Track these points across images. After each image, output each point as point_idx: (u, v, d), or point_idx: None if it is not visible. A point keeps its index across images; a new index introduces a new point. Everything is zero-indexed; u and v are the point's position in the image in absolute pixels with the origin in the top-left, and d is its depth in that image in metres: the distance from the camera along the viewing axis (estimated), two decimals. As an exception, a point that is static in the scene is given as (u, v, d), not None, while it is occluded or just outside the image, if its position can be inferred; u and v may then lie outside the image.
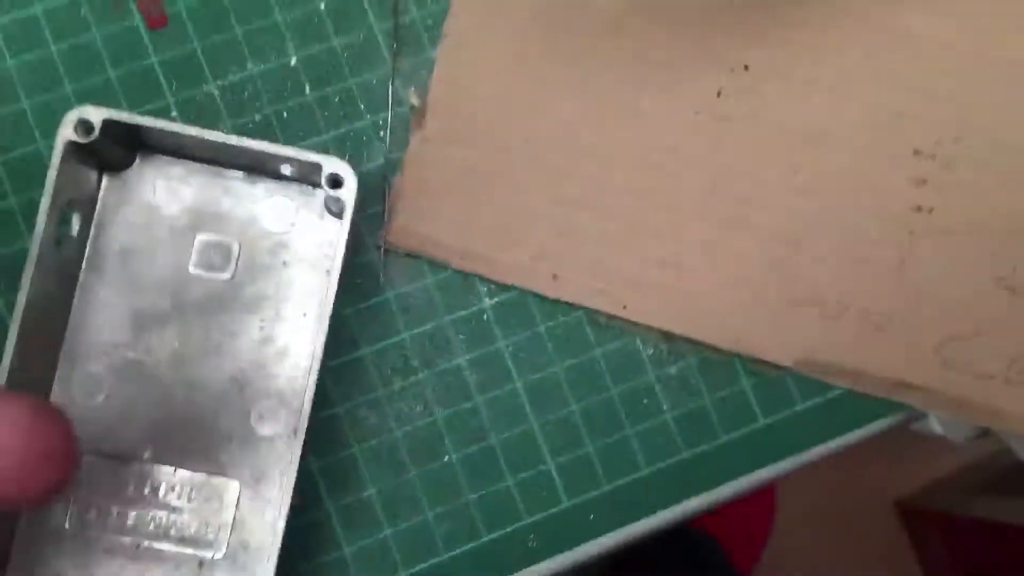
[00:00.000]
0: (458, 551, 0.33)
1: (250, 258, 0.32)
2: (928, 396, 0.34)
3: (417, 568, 0.33)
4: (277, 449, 0.32)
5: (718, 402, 0.34)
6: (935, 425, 0.42)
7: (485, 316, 0.34)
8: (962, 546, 1.16)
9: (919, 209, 0.34)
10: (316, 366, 0.30)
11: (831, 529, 1.27)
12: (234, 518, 0.31)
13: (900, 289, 0.34)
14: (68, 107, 0.30)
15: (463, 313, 0.34)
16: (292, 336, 0.32)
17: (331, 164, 0.30)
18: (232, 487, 0.31)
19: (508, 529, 0.33)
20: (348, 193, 0.30)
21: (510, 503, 0.33)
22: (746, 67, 0.35)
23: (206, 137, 0.30)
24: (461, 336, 0.34)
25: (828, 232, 0.34)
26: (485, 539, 0.33)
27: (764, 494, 1.12)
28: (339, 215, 0.32)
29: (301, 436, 0.29)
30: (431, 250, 0.34)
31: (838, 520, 1.27)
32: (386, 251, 0.34)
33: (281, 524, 0.29)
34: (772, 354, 0.34)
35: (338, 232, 0.31)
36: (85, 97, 0.33)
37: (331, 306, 0.30)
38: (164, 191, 0.33)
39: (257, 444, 0.32)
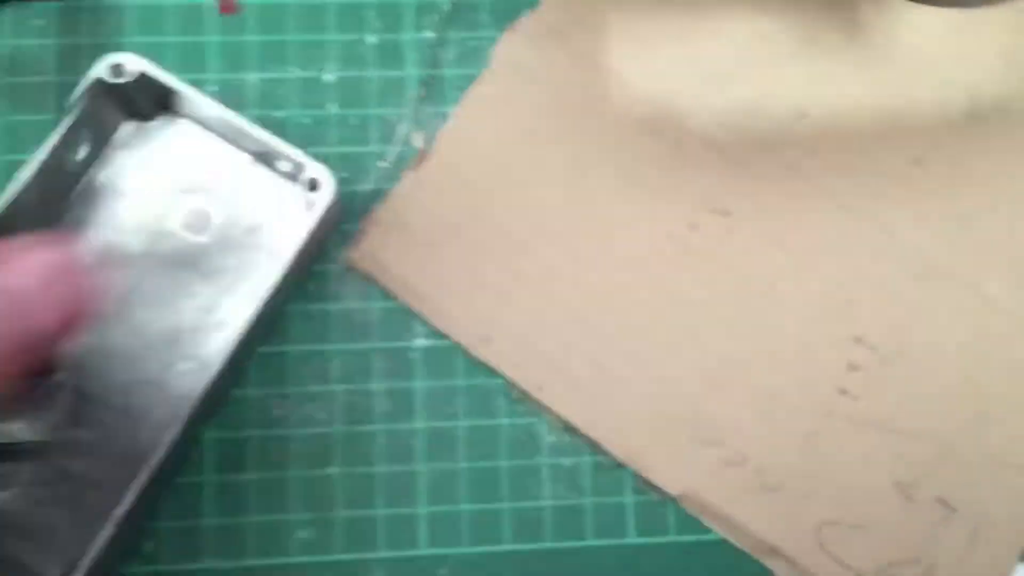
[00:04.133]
0: (313, 559, 0.34)
1: (227, 231, 0.35)
2: (796, 571, 0.34)
3: (271, 561, 0.34)
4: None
5: (597, 506, 0.35)
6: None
7: (412, 354, 0.36)
8: None
9: (844, 392, 0.35)
10: (238, 335, 0.32)
11: None
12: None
13: (801, 460, 0.35)
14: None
15: (393, 345, 0.36)
16: (234, 312, 0.34)
17: (313, 168, 0.33)
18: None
19: (363, 556, 0.34)
20: (322, 196, 0.33)
21: (372, 532, 0.34)
22: (726, 213, 0.37)
23: (223, 115, 0.33)
24: (384, 364, 0.36)
25: (752, 384, 0.35)
26: (341, 557, 0.34)
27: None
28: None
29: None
30: (385, 279, 0.36)
31: None
32: (346, 268, 0.36)
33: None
34: (662, 479, 0.35)
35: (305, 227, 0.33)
36: (139, 50, 0.37)
37: (271, 285, 0.32)
38: (176, 150, 0.36)
39: (168, 395, 0.34)
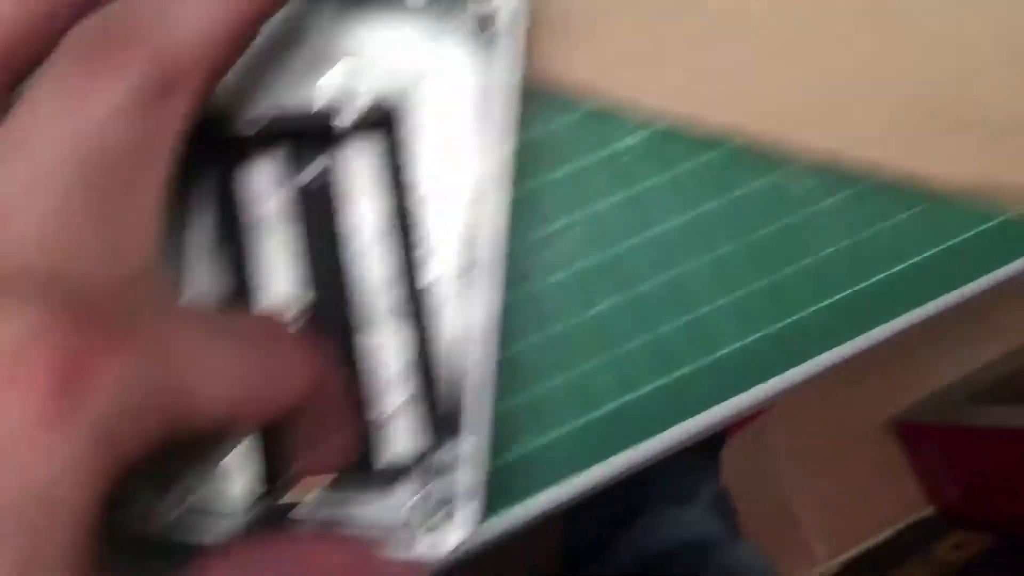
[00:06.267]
0: (623, 400, 0.31)
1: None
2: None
3: (581, 421, 0.30)
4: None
5: (880, 233, 0.32)
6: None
7: (630, 155, 0.31)
8: (960, 455, 1.17)
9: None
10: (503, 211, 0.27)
11: (826, 455, 1.26)
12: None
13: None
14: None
15: (607, 152, 0.31)
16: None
17: (488, -26, 0.27)
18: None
19: (670, 376, 0.31)
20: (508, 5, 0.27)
21: (672, 347, 0.31)
22: None
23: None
24: (606, 176, 0.31)
25: (995, 43, 0.32)
26: (645, 389, 0.31)
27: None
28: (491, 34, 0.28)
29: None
30: (572, 85, 0.31)
31: (832, 445, 1.27)
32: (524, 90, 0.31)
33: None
34: (937, 177, 0.32)
35: (502, 50, 0.28)
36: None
37: (512, 138, 0.27)
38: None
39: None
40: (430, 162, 0.28)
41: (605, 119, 0.31)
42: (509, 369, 0.30)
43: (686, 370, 0.31)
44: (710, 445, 0.94)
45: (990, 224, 0.32)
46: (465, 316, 0.27)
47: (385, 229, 0.28)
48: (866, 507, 1.28)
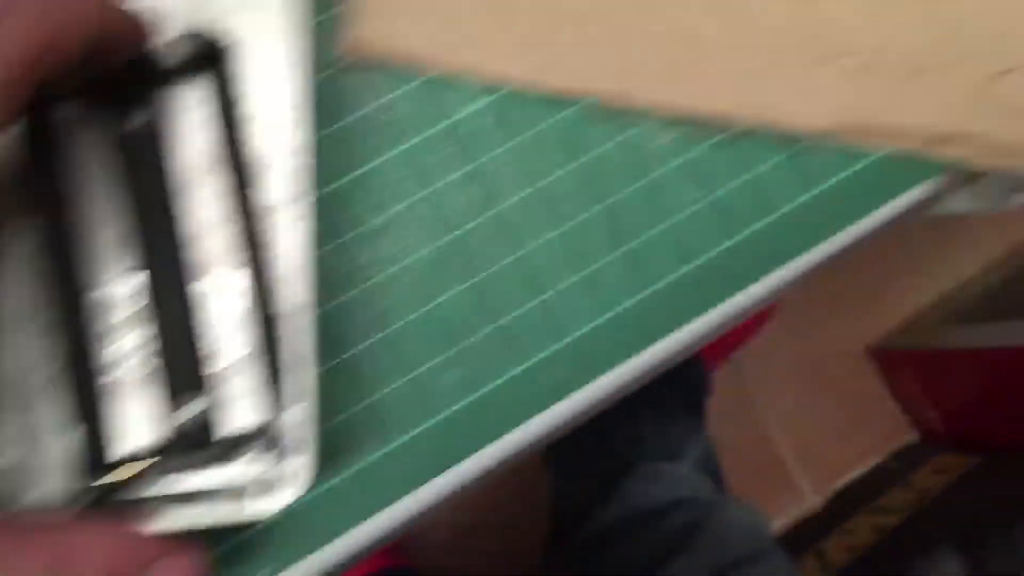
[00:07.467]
0: (469, 399, 0.29)
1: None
2: (978, 144, 0.30)
3: (427, 425, 0.28)
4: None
5: (745, 185, 0.30)
6: (959, 203, 0.39)
7: (472, 123, 0.29)
8: (937, 379, 1.16)
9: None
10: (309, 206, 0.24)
11: (805, 390, 1.25)
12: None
13: (936, 25, 0.30)
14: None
15: (445, 124, 0.29)
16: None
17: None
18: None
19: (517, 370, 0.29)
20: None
21: (531, 330, 0.29)
22: None
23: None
24: (450, 149, 0.29)
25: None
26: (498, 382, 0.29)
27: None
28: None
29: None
30: (401, 56, 0.29)
31: (811, 379, 1.26)
32: (344, 66, 0.29)
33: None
34: (800, 121, 0.30)
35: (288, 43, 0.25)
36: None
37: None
38: None
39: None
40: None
41: (443, 90, 0.29)
42: (348, 375, 0.28)
43: (539, 358, 0.29)
44: (695, 403, 0.92)
45: (857, 167, 0.30)
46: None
47: (215, 162, 0.26)
48: (849, 439, 1.27)
